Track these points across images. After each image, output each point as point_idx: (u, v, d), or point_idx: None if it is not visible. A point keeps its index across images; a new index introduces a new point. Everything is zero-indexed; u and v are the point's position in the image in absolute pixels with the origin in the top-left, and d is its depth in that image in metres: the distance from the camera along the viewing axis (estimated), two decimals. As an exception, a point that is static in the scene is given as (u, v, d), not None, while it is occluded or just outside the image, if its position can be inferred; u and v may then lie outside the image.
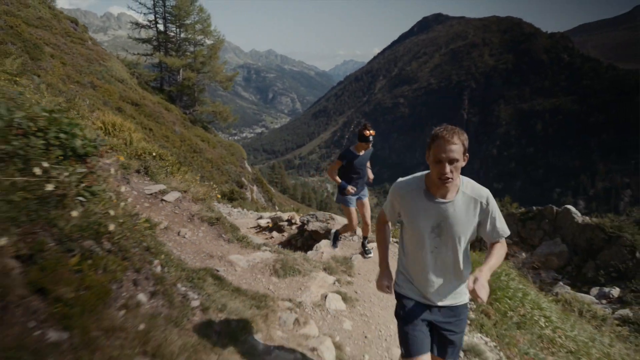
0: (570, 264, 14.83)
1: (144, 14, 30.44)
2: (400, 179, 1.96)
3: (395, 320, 2.08)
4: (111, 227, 1.92)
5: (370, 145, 4.13)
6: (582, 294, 11.48)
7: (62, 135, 2.04)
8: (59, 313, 1.48)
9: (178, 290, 2.15)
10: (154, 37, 30.83)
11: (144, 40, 31.18)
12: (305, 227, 5.64)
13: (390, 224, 2.17)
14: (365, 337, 2.86)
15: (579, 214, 15.44)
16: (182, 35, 30.15)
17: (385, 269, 2.05)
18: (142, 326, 1.74)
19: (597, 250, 13.65)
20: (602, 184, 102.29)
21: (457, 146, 1.68)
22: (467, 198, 1.81)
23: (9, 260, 1.43)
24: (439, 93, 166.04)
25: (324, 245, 4.62)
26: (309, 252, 4.35)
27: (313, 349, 2.36)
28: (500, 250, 1.90)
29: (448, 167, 1.68)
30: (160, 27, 30.81)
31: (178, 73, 30.13)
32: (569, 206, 15.91)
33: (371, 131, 4.03)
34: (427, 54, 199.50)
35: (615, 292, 11.77)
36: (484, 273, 1.76)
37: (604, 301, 11.39)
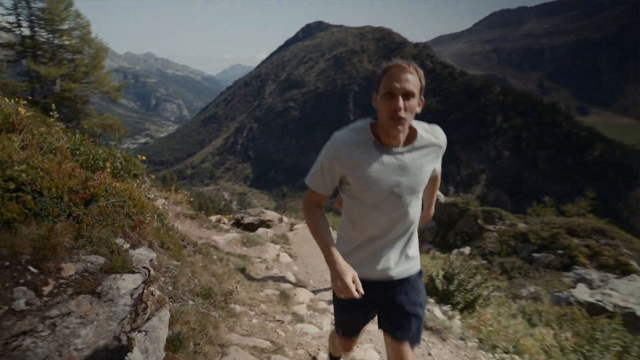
0: (438, 235, 18.99)
1: (2, 15, 27.04)
2: (337, 133, 1.51)
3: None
4: (170, 215, 3.35)
5: None
6: (446, 255, 15.14)
7: (126, 163, 3.36)
8: (171, 254, 2.94)
9: (204, 250, 3.65)
10: (17, 42, 27.57)
11: (3, 45, 27.65)
12: (242, 221, 7.16)
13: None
14: (307, 272, 4.71)
15: (443, 196, 19.74)
16: (57, 41, 27.64)
17: (337, 262, 1.43)
18: (201, 263, 3.26)
19: (455, 222, 17.88)
20: (465, 171, 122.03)
21: (414, 77, 1.39)
22: (426, 143, 1.51)
23: (149, 228, 2.83)
24: (326, 96, 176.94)
25: (262, 231, 6.29)
26: (257, 231, 5.98)
27: (282, 276, 4.10)
28: (435, 186, 1.94)
29: (402, 102, 1.35)
30: (26, 31, 27.71)
31: (54, 83, 27.49)
32: (435, 191, 20.09)
33: None
34: (312, 59, 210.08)
35: (467, 250, 15.85)
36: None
37: (460, 258, 15.23)
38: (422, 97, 1.45)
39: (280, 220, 6.95)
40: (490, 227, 15.84)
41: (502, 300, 5.89)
